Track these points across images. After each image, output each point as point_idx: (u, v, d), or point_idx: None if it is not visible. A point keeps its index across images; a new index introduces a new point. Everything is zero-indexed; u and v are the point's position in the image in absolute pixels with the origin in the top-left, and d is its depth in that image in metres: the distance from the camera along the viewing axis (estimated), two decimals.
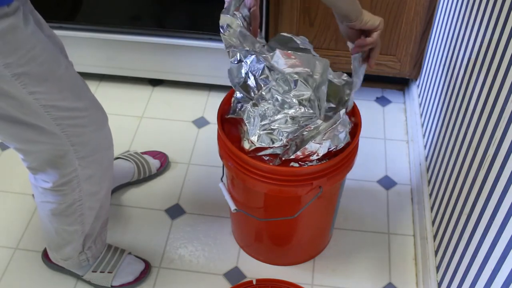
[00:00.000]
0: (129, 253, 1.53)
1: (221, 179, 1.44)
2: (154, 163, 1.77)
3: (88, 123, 1.20)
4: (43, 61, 1.07)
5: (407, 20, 1.80)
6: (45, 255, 1.53)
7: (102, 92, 2.10)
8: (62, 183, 1.24)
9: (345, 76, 1.35)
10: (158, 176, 1.79)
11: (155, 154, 1.81)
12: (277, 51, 1.23)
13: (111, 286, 1.48)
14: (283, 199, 1.34)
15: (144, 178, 1.76)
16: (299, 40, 1.36)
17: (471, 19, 1.33)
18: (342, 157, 1.26)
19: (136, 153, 1.78)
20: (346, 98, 1.31)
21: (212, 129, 1.94)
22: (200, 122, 1.98)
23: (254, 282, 1.43)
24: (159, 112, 2.02)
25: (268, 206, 1.40)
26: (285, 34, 1.36)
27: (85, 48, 2.01)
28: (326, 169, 1.25)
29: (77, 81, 1.18)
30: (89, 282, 1.49)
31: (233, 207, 1.34)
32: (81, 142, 1.20)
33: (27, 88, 1.06)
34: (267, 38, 1.92)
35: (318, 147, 1.23)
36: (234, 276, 1.54)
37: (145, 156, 1.78)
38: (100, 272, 1.47)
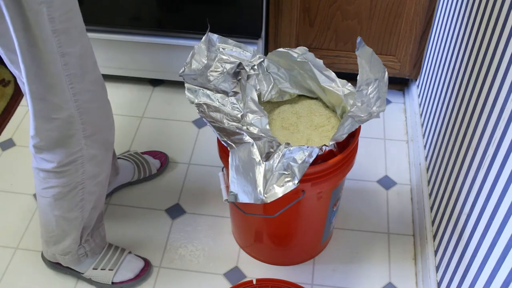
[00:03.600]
0: (129, 252, 1.54)
1: (222, 169, 1.44)
2: (154, 163, 1.78)
3: (95, 99, 1.23)
4: (77, 24, 1.11)
5: (407, 20, 1.80)
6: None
7: None
8: (67, 162, 1.25)
9: (349, 86, 1.35)
10: (158, 176, 1.79)
11: (155, 154, 1.81)
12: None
13: (112, 283, 1.48)
14: None
15: (144, 178, 1.76)
16: (297, 53, 1.36)
17: (471, 19, 1.33)
18: (325, 167, 1.25)
19: (136, 153, 1.78)
20: (349, 108, 1.31)
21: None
22: (200, 122, 1.98)
23: (254, 282, 1.43)
24: (159, 112, 2.02)
25: (255, 203, 1.39)
26: (281, 49, 1.37)
27: None
28: (309, 175, 1.24)
29: (93, 54, 1.22)
30: (89, 280, 1.49)
31: (225, 197, 1.35)
32: (89, 120, 1.23)
33: (62, 47, 1.09)
34: (267, 41, 1.92)
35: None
36: (234, 276, 1.54)
37: (145, 156, 1.78)
38: (101, 269, 1.47)
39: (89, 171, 1.30)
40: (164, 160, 1.81)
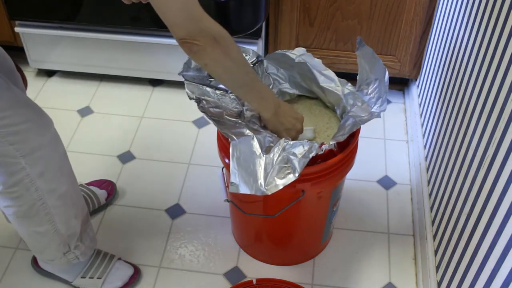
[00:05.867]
0: (119, 259, 1.52)
1: (222, 169, 1.44)
2: (102, 194, 1.69)
3: (21, 121, 1.17)
4: None
5: (407, 20, 1.80)
6: (34, 262, 1.52)
7: (102, 92, 2.10)
8: (12, 183, 1.22)
9: (349, 86, 1.35)
10: (156, 179, 1.79)
11: (101, 184, 1.71)
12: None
13: None
14: (269, 198, 1.32)
15: (94, 210, 1.67)
16: (294, 54, 1.36)
17: (471, 19, 1.33)
18: (325, 167, 1.25)
19: (81, 185, 1.68)
20: (349, 108, 1.31)
21: (212, 129, 1.94)
22: (200, 122, 1.98)
23: (254, 282, 1.43)
24: (159, 112, 2.02)
25: (255, 203, 1.40)
26: (279, 51, 1.38)
27: (85, 48, 2.01)
28: (309, 174, 1.24)
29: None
30: None
31: (225, 196, 1.35)
32: (20, 140, 1.18)
33: None
34: (267, 42, 1.92)
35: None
36: (234, 276, 1.54)
37: (91, 187, 1.68)
38: (89, 278, 1.46)
39: (43, 188, 1.25)
40: (111, 189, 1.71)
